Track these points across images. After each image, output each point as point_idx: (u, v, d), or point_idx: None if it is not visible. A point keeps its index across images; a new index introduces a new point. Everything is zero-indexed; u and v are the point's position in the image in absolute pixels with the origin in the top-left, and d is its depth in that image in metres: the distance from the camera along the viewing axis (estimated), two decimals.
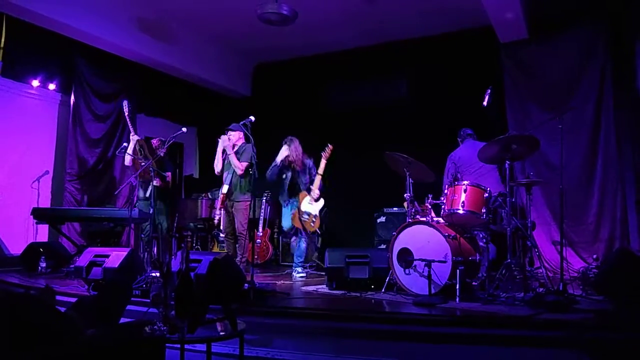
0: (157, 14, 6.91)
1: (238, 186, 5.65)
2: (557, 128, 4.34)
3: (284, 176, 5.91)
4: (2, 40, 6.11)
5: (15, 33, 6.13)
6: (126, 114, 6.08)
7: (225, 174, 5.76)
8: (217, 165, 5.81)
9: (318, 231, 6.06)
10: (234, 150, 5.63)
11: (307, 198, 5.85)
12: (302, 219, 5.79)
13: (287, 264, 6.98)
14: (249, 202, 5.71)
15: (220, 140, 5.68)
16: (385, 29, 7.28)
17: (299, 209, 5.81)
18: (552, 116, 4.87)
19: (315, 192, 5.85)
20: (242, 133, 5.73)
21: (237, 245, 5.71)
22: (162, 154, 5.99)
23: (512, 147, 4.21)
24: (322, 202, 5.89)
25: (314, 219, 5.81)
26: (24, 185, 6.79)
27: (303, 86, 8.39)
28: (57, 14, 5.80)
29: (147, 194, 6.08)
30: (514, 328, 3.29)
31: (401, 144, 6.08)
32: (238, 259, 5.50)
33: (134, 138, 6.11)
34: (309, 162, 5.96)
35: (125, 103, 6.11)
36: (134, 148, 6.06)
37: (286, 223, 6.01)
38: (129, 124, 6.14)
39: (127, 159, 6.06)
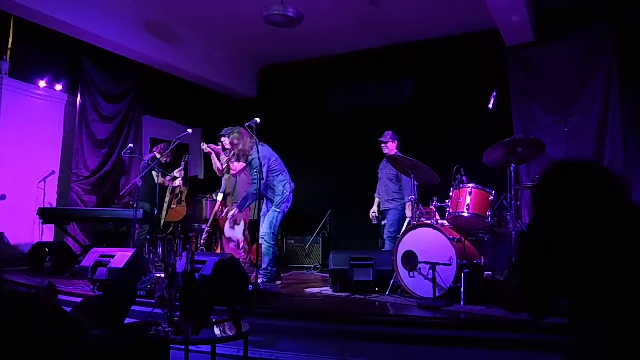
0: (164, 15, 6.93)
1: (236, 188, 5.67)
2: (563, 131, 4.33)
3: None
4: (10, 41, 6.16)
5: (23, 34, 6.19)
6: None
7: (223, 178, 5.80)
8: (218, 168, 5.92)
9: (252, 259, 4.15)
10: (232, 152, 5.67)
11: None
12: (231, 246, 4.67)
13: (291, 265, 7.00)
14: None
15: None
16: (390, 31, 7.27)
17: (224, 236, 4.67)
18: (558, 119, 4.85)
19: (232, 211, 4.39)
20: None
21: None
22: (167, 159, 6.09)
23: (517, 151, 4.19)
24: (243, 223, 4.51)
25: (241, 244, 4.46)
26: (31, 185, 6.82)
27: (308, 88, 8.41)
28: (64, 16, 5.83)
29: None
30: (518, 332, 3.27)
31: (406, 146, 6.10)
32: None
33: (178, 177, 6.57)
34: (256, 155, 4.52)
35: (185, 157, 6.64)
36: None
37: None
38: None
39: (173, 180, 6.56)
